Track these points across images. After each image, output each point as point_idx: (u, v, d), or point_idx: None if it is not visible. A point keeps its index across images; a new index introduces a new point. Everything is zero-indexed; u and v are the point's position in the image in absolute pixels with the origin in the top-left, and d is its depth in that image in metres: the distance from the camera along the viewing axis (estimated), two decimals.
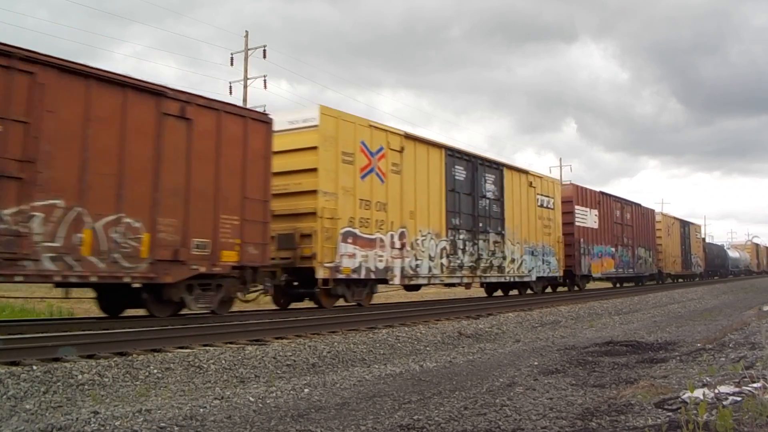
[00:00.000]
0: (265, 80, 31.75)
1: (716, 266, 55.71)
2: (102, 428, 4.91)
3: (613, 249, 27.70)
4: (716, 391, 4.86)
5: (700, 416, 3.80)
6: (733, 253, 64.73)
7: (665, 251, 36.50)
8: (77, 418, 5.12)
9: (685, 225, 43.17)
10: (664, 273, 36.70)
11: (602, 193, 27.27)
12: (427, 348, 10.43)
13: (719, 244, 65.50)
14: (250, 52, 32.00)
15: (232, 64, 32.16)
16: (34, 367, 6.56)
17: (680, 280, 44.03)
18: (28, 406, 5.63)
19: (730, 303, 22.49)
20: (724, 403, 4.42)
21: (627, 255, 29.57)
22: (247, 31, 32.36)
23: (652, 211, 34.69)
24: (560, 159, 63.94)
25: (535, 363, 8.28)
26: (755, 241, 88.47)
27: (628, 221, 30.15)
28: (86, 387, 6.37)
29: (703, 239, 53.50)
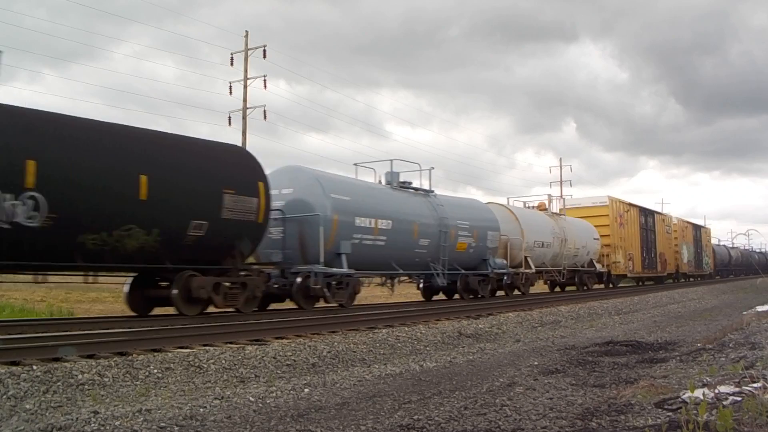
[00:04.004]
0: (264, 80, 31.69)
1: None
2: (102, 428, 4.91)
3: None
4: (716, 391, 4.86)
5: (700, 416, 3.80)
6: None
7: None
8: (77, 418, 5.12)
9: None
10: None
11: None
12: (427, 348, 10.42)
13: None
14: (250, 52, 31.98)
15: (232, 64, 32.13)
16: (34, 367, 6.56)
17: None
18: (28, 406, 5.63)
19: (730, 303, 22.50)
20: (724, 403, 4.42)
21: None
22: (247, 31, 32.34)
23: None
24: (560, 159, 63.27)
25: (535, 363, 8.28)
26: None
27: None
28: (86, 387, 6.37)
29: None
